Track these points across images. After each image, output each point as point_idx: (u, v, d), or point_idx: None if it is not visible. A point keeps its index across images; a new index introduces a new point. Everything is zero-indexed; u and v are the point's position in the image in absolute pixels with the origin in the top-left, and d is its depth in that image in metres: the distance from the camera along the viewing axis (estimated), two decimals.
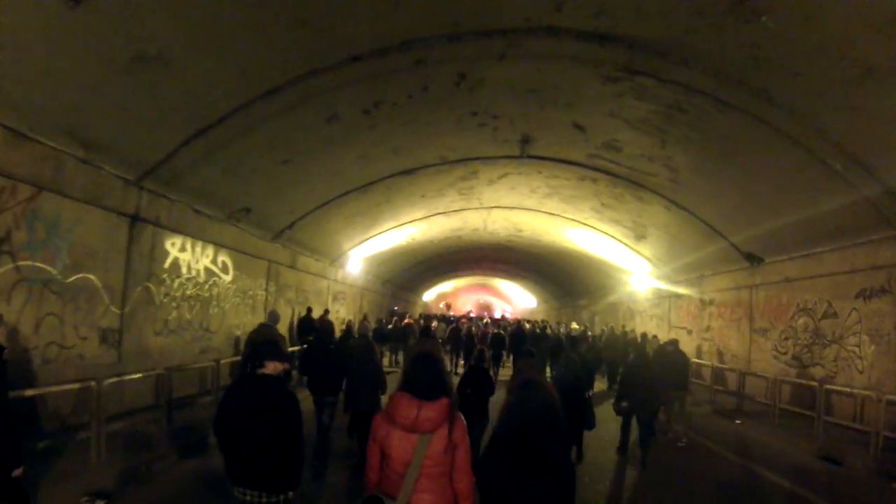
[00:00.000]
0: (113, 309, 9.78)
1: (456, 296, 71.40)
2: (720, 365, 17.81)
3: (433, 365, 3.98)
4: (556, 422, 4.04)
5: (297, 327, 18.62)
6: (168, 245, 11.36)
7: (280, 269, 17.33)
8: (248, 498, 4.29)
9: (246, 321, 15.05)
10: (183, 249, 11.87)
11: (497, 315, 59.15)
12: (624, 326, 25.28)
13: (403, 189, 17.08)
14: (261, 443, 4.27)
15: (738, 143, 11.54)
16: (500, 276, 51.99)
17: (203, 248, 12.69)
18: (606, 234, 21.83)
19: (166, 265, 11.32)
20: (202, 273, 12.70)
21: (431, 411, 3.69)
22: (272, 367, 4.55)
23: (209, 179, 11.55)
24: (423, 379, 3.85)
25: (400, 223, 21.73)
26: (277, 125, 10.68)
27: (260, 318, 15.62)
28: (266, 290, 16.37)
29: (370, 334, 12.20)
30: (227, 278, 13.92)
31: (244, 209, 13.47)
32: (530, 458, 3.84)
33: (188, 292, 12.15)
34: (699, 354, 19.81)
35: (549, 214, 21.81)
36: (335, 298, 23.95)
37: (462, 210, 21.68)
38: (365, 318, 23.63)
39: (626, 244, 21.95)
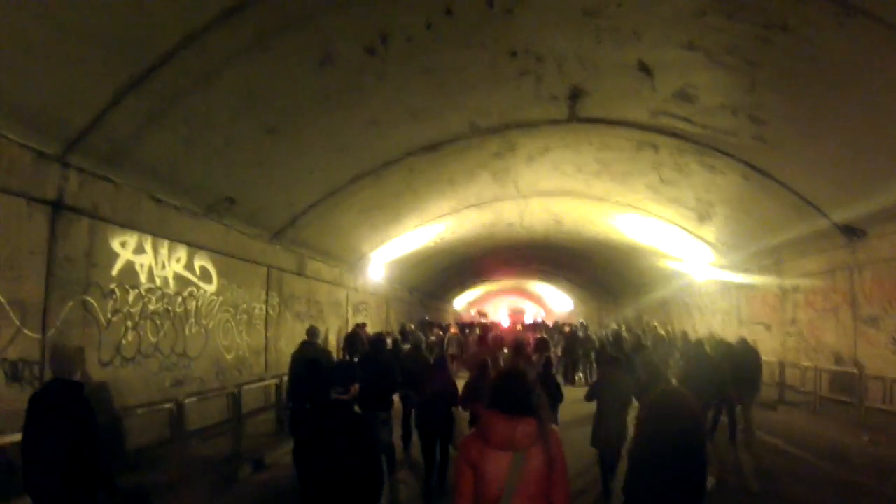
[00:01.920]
0: (28, 332, 6.91)
1: (486, 301, 68.80)
2: (834, 367, 14.35)
3: (521, 382, 3.71)
4: (700, 429, 4.02)
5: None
6: (116, 245, 8.48)
7: (284, 276, 14.44)
8: None
9: (240, 342, 12.22)
10: (140, 251, 9.00)
11: (528, 320, 56.31)
12: (665, 325, 22.54)
13: (427, 171, 14.15)
14: (346, 471, 4.04)
15: (859, 71, 8.56)
16: (535, 278, 48.89)
17: (171, 250, 9.80)
18: (662, 217, 18.70)
19: (115, 272, 8.44)
20: (171, 282, 9.81)
21: (528, 427, 3.48)
22: (354, 390, 4.57)
23: (169, 155, 8.75)
24: (514, 395, 3.60)
25: (426, 220, 18.80)
26: (250, 70, 7.88)
27: (259, 337, 13.02)
28: (266, 302, 13.47)
29: (423, 345, 11.84)
30: (210, 288, 11.04)
31: (227, 199, 10.62)
32: (672, 469, 3.76)
33: (151, 307, 9.24)
34: (784, 353, 16.71)
35: (595, 200, 18.72)
36: (356, 310, 21.03)
37: (495, 200, 18.67)
38: (404, 329, 21.68)
39: (685, 228, 18.81)
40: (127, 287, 8.68)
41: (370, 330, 20.91)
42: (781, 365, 16.03)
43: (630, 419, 7.18)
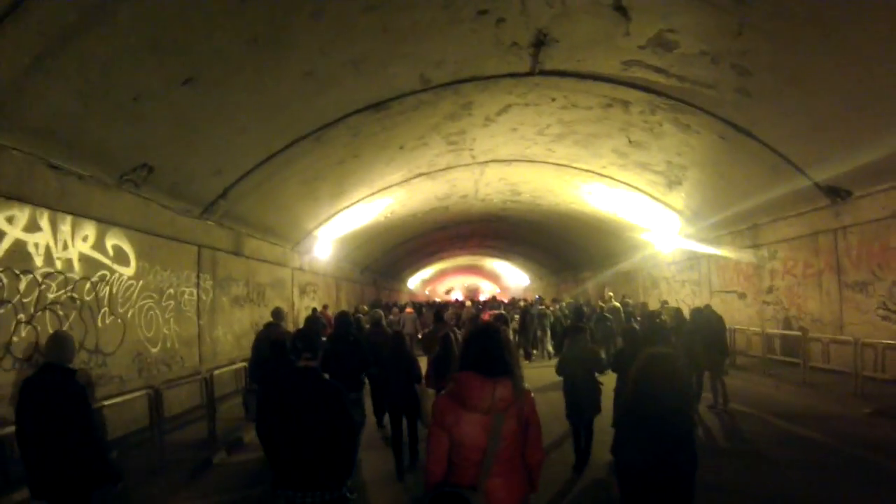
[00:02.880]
0: None
1: (440, 281, 67.83)
2: (822, 336, 13.34)
3: (496, 340, 3.53)
4: (684, 392, 4.06)
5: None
6: (1, 221, 6.97)
7: (218, 256, 12.90)
8: (303, 500, 3.96)
9: (167, 332, 10.71)
10: (34, 228, 7.46)
11: (483, 298, 55.75)
12: (625, 297, 21.83)
13: (374, 135, 12.76)
14: (312, 438, 4.00)
15: (858, 15, 7.69)
16: (490, 255, 47.87)
17: (76, 227, 8.25)
18: (628, 185, 17.72)
19: None
20: (77, 265, 8.26)
21: (506, 389, 3.35)
22: (311, 361, 4.35)
23: (65, 112, 7.22)
24: (489, 355, 3.44)
25: (374, 191, 17.38)
26: (154, 4, 6.43)
27: (190, 325, 11.63)
28: (198, 285, 11.94)
29: (385, 323, 11.54)
30: (127, 272, 9.49)
31: (143, 166, 9.10)
32: (663, 430, 3.71)
33: (51, 296, 7.70)
34: (762, 322, 15.90)
35: (556, 166, 17.62)
36: (303, 292, 19.61)
37: (450, 168, 17.37)
38: (358, 311, 21.00)
39: (652, 196, 17.89)
40: (17, 272, 7.16)
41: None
42: (766, 336, 15.00)
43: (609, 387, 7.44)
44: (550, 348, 20.74)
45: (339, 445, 4.09)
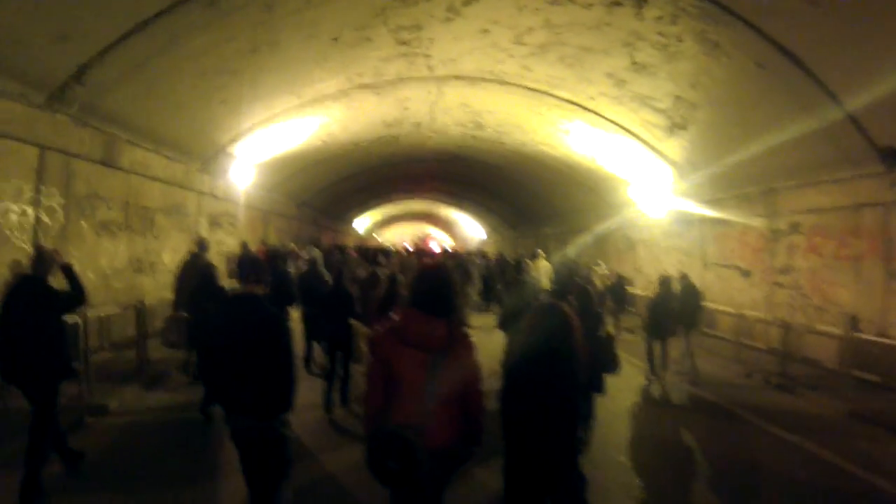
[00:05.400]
0: None
1: (391, 226, 64.51)
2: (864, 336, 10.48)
3: (444, 281, 3.57)
4: (572, 346, 3.93)
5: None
6: None
7: (77, 165, 9.49)
8: (243, 424, 4.02)
9: None
10: None
11: (435, 249, 53.36)
12: (542, 255, 19.26)
13: (297, 13, 9.34)
14: (254, 364, 3.95)
15: None
16: (447, 202, 44.06)
17: None
18: (617, 125, 14.60)
19: None
20: None
21: (443, 329, 3.42)
22: (257, 287, 4.29)
23: None
24: (434, 294, 3.48)
25: (303, 101, 13.88)
26: None
27: (11, 255, 8.14)
28: (37, 203, 8.58)
29: (320, 261, 11.36)
30: None
31: None
32: (546, 379, 3.79)
33: None
34: (772, 308, 13.07)
35: (531, 92, 14.34)
36: (215, 223, 16.19)
37: (401, 81, 13.94)
38: (279, 250, 19.73)
39: (645, 142, 14.89)
40: None
41: (239, 249, 16.99)
42: (785, 326, 12.00)
43: None
44: (476, 297, 22.30)
45: (280, 372, 3.98)
